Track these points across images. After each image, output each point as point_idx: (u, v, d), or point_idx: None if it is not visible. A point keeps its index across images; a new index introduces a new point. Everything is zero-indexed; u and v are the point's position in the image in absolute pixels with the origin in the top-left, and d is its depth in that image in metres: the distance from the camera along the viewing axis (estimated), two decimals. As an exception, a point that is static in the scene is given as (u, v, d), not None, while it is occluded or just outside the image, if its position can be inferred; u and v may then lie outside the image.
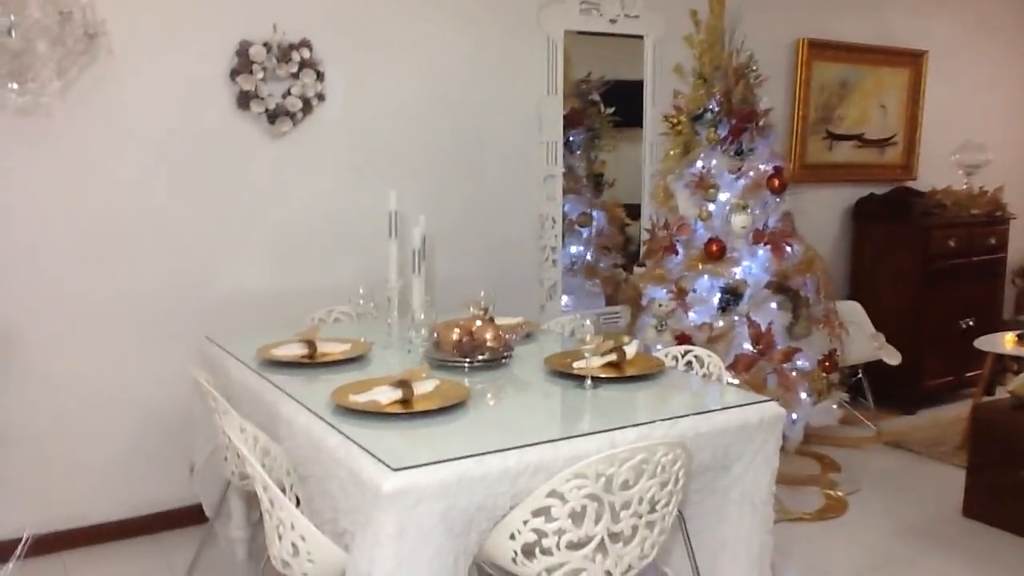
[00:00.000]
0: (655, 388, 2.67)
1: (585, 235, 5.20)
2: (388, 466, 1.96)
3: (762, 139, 3.98)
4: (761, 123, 3.98)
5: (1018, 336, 4.64)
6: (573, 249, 5.14)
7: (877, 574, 3.37)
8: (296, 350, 2.94)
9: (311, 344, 2.95)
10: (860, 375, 5.01)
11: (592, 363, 2.67)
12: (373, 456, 2.02)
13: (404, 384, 2.42)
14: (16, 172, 3.22)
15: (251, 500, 3.40)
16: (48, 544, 3.38)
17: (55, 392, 3.40)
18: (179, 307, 3.57)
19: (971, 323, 5.44)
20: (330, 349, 2.98)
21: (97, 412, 3.49)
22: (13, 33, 2.61)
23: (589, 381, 2.62)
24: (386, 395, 2.39)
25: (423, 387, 2.46)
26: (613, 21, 4.49)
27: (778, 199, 4.00)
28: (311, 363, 2.88)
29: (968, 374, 5.41)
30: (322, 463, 2.21)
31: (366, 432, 2.19)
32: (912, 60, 5.80)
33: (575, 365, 2.74)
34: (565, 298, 4.72)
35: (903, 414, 5.29)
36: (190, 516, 3.57)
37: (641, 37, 4.65)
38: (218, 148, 3.57)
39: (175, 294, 3.56)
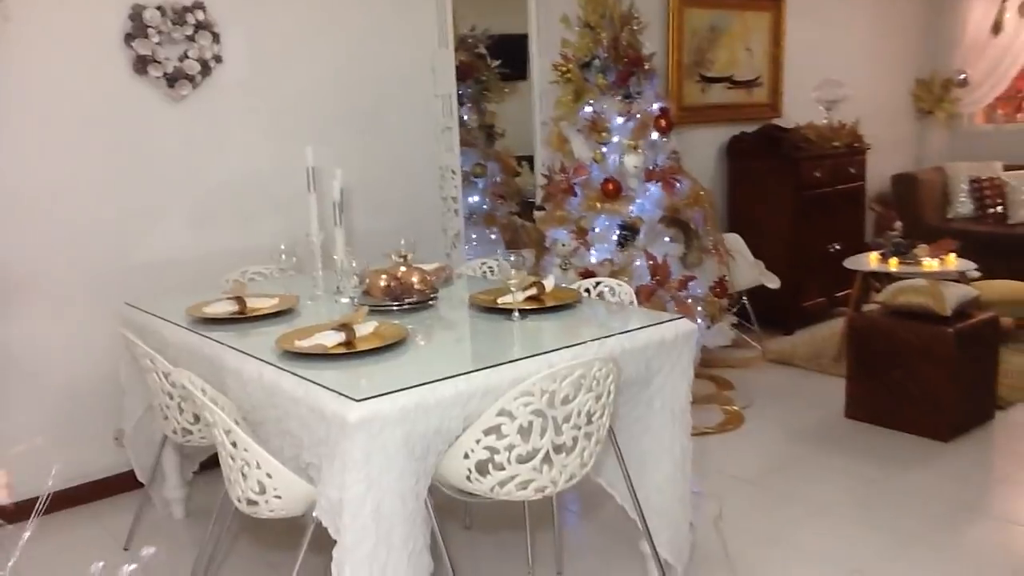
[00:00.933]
0: (577, 316, 2.88)
1: (481, 185, 5.37)
2: (351, 398, 2.09)
3: (648, 83, 4.22)
4: (647, 67, 4.21)
5: (880, 255, 5.09)
6: (471, 199, 5.31)
7: (777, 474, 3.72)
8: (227, 307, 3.00)
9: (240, 300, 3.02)
10: (744, 301, 5.39)
11: (516, 297, 2.85)
12: (334, 391, 2.15)
13: (346, 327, 2.54)
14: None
15: (185, 458, 3.46)
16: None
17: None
18: (97, 277, 3.54)
19: (838, 247, 5.91)
20: (260, 304, 3.05)
21: (19, 384, 3.44)
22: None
23: (516, 313, 2.80)
24: (330, 338, 2.51)
25: (363, 329, 2.59)
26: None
27: (665, 138, 4.26)
28: (243, 318, 2.95)
29: (838, 294, 5.88)
30: (278, 406, 2.32)
31: (316, 373, 2.30)
32: (773, 4, 6.17)
33: (500, 300, 2.91)
34: (466, 246, 4.88)
35: (785, 334, 5.72)
36: (121, 482, 3.60)
37: (523, -12, 4.80)
38: (118, 114, 3.54)
39: (92, 264, 3.54)
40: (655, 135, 4.22)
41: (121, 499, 3.61)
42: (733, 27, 5.96)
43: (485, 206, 5.39)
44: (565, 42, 4.32)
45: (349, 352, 2.47)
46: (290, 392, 2.26)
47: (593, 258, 4.16)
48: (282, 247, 3.27)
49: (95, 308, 3.52)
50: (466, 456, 2.25)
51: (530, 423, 2.23)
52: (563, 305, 2.94)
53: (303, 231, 3.34)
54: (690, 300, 4.17)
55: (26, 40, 3.29)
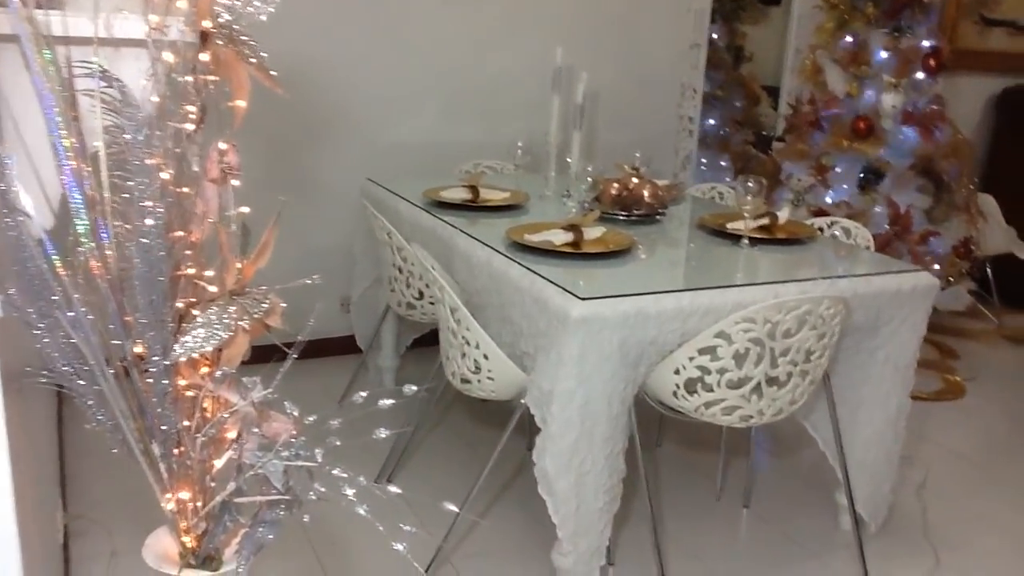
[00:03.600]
0: (809, 252, 2.78)
1: (719, 108, 5.21)
2: (576, 295, 2.13)
3: (923, 17, 3.90)
4: (923, 0, 3.89)
5: None
6: (707, 122, 5.17)
7: (992, 453, 3.48)
8: (461, 193, 3.11)
9: (474, 189, 3.12)
10: (988, 268, 4.98)
11: (747, 224, 2.78)
12: (560, 287, 2.20)
13: (575, 228, 2.58)
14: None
15: (402, 333, 3.67)
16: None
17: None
18: (341, 151, 3.77)
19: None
20: (491, 195, 3.14)
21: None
22: None
23: (745, 240, 2.74)
24: (559, 236, 2.56)
25: (592, 232, 2.62)
26: None
27: (931, 80, 3.95)
28: (475, 206, 3.06)
29: (1097, 277, 5.31)
30: (502, 293, 2.41)
31: (543, 268, 2.36)
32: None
33: (729, 225, 2.85)
34: (697, 168, 4.77)
35: (1026, 311, 5.26)
36: (342, 345, 3.87)
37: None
38: (390, 6, 3.70)
39: (338, 138, 3.76)
40: (920, 75, 3.92)
41: (340, 360, 3.88)
42: (1029, -35, 5.37)
43: (721, 131, 5.24)
44: (836, -34, 4.05)
45: (576, 252, 2.51)
46: (516, 281, 2.34)
47: (829, 198, 3.96)
48: (519, 143, 3.32)
49: (340, 181, 3.75)
50: (677, 372, 2.25)
51: (747, 350, 2.20)
52: (795, 239, 2.84)
53: (542, 132, 3.38)
54: (928, 257, 3.91)
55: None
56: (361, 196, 3.43)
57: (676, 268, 2.60)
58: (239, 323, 1.12)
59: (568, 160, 3.24)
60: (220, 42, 1.25)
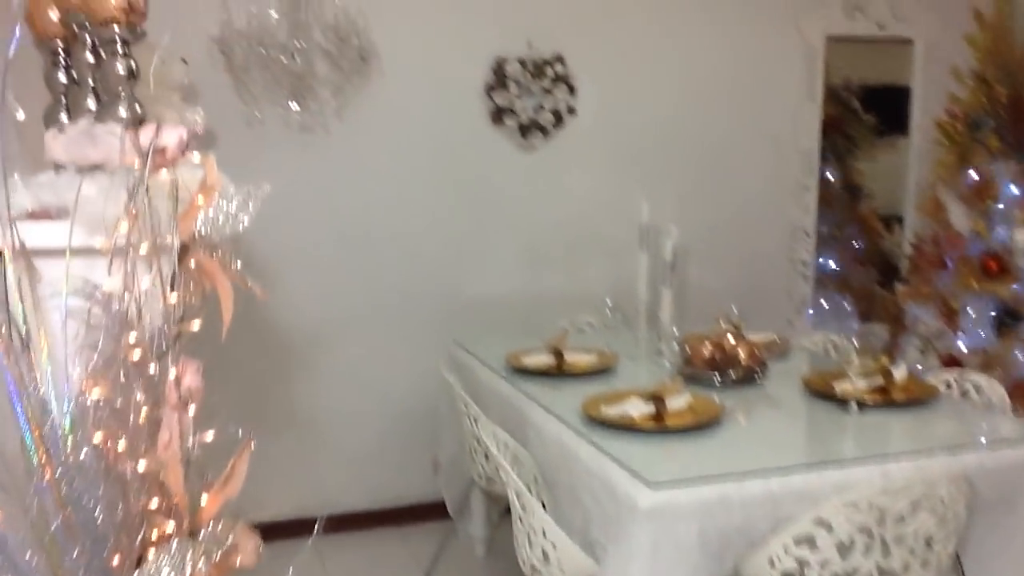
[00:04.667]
0: (929, 416, 2.46)
1: (837, 248, 4.94)
2: (645, 482, 1.92)
3: (1053, 146, 3.58)
4: (1053, 128, 3.59)
5: None
6: (823, 262, 4.89)
7: None
8: (544, 359, 2.97)
9: (558, 353, 2.97)
10: None
11: (857, 385, 2.50)
12: (629, 470, 1.99)
13: (657, 398, 2.38)
14: (295, 185, 3.49)
15: (492, 500, 3.48)
16: (302, 528, 3.62)
17: (321, 387, 3.65)
18: (431, 309, 3.73)
19: None
20: (577, 359, 2.98)
21: (356, 406, 3.70)
22: (297, 58, 2.83)
23: (854, 404, 2.45)
24: (638, 408, 2.36)
25: (676, 402, 2.41)
26: (881, 26, 4.20)
27: (1070, 213, 3.58)
28: (558, 372, 2.90)
29: None
30: (573, 472, 2.21)
31: (618, 445, 2.17)
32: None
33: (837, 387, 2.57)
34: (812, 313, 4.48)
35: None
36: (432, 511, 3.71)
37: (910, 40, 4.32)
38: (473, 160, 3.71)
39: (428, 297, 3.73)
40: (1057, 207, 3.57)
41: (430, 527, 3.70)
42: None
43: (840, 271, 4.94)
44: (953, 97, 3.81)
45: (657, 427, 2.30)
46: (586, 462, 2.15)
47: (961, 344, 3.59)
48: (608, 302, 3.18)
49: (426, 339, 3.68)
50: (772, 564, 1.97)
51: (852, 540, 1.91)
52: (914, 401, 2.53)
53: (632, 282, 3.23)
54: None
55: (395, 86, 3.53)
56: (447, 357, 3.34)
57: (771, 441, 2.32)
58: (198, 567, 0.99)
59: (660, 315, 3.06)
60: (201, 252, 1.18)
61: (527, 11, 3.68)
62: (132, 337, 1.04)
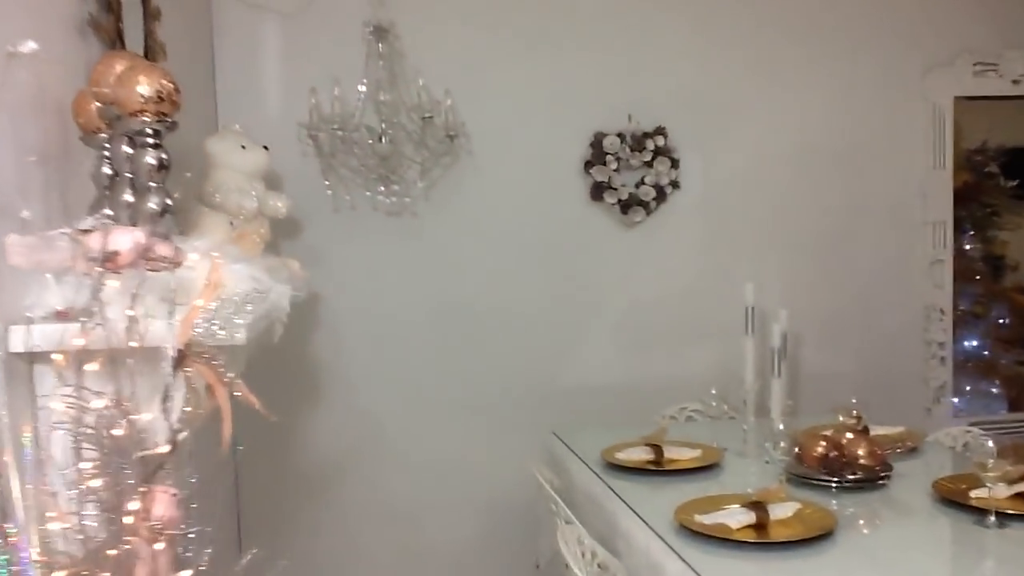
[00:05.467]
0: (1088, 532, 2.09)
1: (982, 327, 4.51)
2: (735, 611, 1.67)
3: None
4: None
5: None
6: (967, 344, 4.47)
7: None
8: (641, 454, 2.74)
9: (658, 448, 2.74)
10: None
11: (997, 493, 2.16)
12: (717, 594, 1.75)
13: (759, 506, 2.12)
14: (385, 269, 3.42)
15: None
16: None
17: (414, 478, 3.51)
18: (528, 397, 3.54)
19: None
20: (678, 455, 2.74)
21: (449, 501, 3.54)
22: (384, 139, 2.77)
23: (992, 517, 2.11)
24: (737, 518, 2.10)
25: (781, 511, 2.13)
26: (1016, 82, 3.85)
27: None
28: (657, 470, 2.67)
29: None
30: (659, 591, 1.97)
31: (713, 561, 1.93)
32: None
33: (973, 494, 2.23)
34: (956, 401, 4.06)
35: None
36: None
37: (1050, 96, 3.95)
38: (570, 240, 3.55)
39: (525, 384, 3.55)
40: None
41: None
42: None
43: (986, 352, 4.50)
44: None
45: (758, 541, 2.03)
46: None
47: None
48: (712, 391, 2.93)
49: (526, 429, 3.49)
50: None
51: None
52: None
53: (740, 369, 2.98)
54: None
55: (486, 165, 3.43)
56: (543, 450, 3.15)
57: (887, 563, 1.99)
58: None
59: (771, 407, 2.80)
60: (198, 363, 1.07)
61: (628, 83, 3.53)
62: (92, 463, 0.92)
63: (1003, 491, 2.18)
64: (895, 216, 3.82)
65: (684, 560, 1.93)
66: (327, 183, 3.15)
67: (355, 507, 3.49)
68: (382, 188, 3.02)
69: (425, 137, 2.95)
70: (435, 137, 2.99)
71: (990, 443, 2.15)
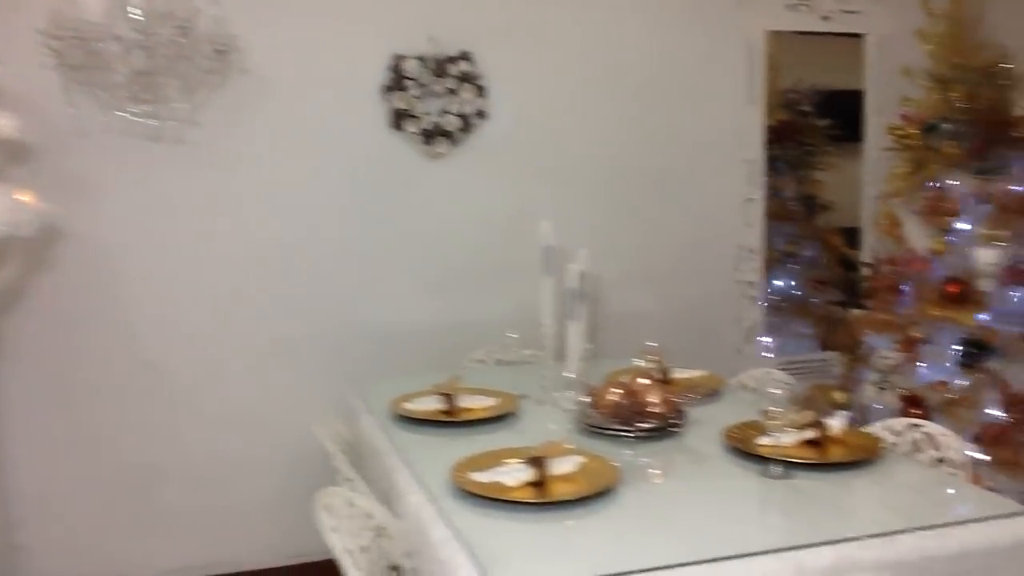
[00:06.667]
0: (867, 482, 2.04)
1: (794, 267, 4.55)
2: (492, 585, 1.50)
3: (1018, 154, 3.20)
4: (1016, 134, 3.21)
5: None
6: (779, 283, 4.50)
7: None
8: (433, 404, 2.55)
9: (450, 398, 2.55)
10: None
11: (783, 441, 2.09)
12: (476, 560, 1.58)
13: (538, 461, 1.96)
14: (160, 204, 3.07)
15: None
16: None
17: (207, 429, 3.23)
18: (328, 341, 3.33)
19: None
20: (473, 404, 2.57)
21: (247, 452, 3.28)
22: (137, 51, 2.38)
23: (772, 466, 2.04)
24: (515, 475, 1.94)
25: (563, 465, 1.98)
26: (826, 18, 3.81)
27: (1039, 228, 3.20)
28: (450, 421, 2.48)
29: None
30: (425, 558, 1.79)
31: (485, 523, 1.77)
32: None
33: (759, 442, 2.15)
34: (768, 340, 4.08)
35: None
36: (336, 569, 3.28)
37: (860, 36, 3.94)
38: (369, 172, 3.31)
39: (324, 327, 3.32)
40: (1025, 223, 3.18)
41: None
42: None
43: (798, 293, 4.56)
44: (906, 99, 3.42)
45: (535, 501, 1.87)
46: (435, 548, 1.72)
47: (922, 378, 3.20)
48: (514, 335, 2.77)
49: (328, 375, 3.25)
50: None
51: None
52: (853, 462, 2.10)
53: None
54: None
55: (272, 90, 3.11)
56: (339, 402, 2.91)
57: (665, 522, 1.86)
58: None
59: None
60: None
61: (430, 1, 3.27)
62: None
63: (789, 438, 2.11)
64: (708, 153, 3.75)
65: (450, 524, 1.75)
66: (70, 102, 2.72)
67: (149, 470, 3.17)
68: (134, 109, 2.64)
69: (184, 50, 2.58)
70: (199, 52, 2.62)
71: (775, 389, 2.06)
